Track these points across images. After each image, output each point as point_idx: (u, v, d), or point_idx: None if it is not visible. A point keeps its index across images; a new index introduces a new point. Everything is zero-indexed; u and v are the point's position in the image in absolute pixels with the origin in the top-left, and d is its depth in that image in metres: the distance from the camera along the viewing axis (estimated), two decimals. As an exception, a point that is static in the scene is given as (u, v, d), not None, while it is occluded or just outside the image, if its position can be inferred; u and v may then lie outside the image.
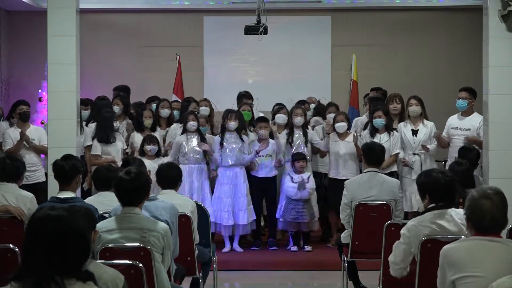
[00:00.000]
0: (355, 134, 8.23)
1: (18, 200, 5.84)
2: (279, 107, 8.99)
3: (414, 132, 8.13)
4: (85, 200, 5.54)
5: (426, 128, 8.14)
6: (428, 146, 8.02)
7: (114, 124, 8.40)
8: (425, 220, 4.60)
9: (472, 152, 7.22)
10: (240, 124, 8.38)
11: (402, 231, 4.66)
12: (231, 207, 8.25)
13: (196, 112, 8.64)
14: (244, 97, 9.45)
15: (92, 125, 8.54)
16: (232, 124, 8.31)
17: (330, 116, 8.79)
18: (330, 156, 8.45)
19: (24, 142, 8.29)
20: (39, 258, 2.72)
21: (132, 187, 4.53)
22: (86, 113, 8.63)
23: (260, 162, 8.46)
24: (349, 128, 8.44)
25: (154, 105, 9.30)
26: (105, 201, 5.53)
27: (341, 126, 8.33)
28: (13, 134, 8.40)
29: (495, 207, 3.57)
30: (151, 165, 7.20)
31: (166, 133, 8.73)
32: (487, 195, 3.59)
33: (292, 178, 8.24)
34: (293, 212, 8.20)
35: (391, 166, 8.03)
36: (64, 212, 2.84)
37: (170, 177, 5.89)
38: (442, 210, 4.61)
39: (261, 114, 9.08)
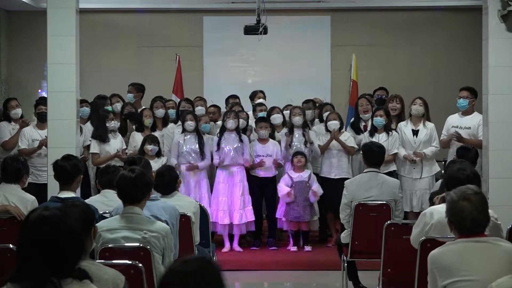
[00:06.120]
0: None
1: (20, 201, 5.83)
2: (271, 108, 8.99)
3: (415, 132, 8.14)
4: (87, 200, 5.54)
5: (427, 129, 8.14)
6: (425, 151, 8.02)
7: (112, 123, 8.37)
8: None
9: (470, 152, 7.24)
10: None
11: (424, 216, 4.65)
12: (227, 205, 8.25)
13: (193, 111, 8.64)
14: (231, 98, 9.57)
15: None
16: (231, 122, 8.31)
17: (326, 115, 8.82)
18: (323, 154, 8.49)
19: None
20: (35, 259, 2.71)
21: (134, 185, 4.53)
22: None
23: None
24: (341, 127, 8.46)
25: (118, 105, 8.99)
26: (106, 201, 5.54)
27: (333, 124, 8.38)
28: (30, 133, 8.32)
29: (475, 208, 3.55)
30: (152, 165, 7.18)
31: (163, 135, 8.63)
32: (466, 196, 3.57)
33: (291, 178, 8.24)
34: (294, 211, 8.20)
35: (390, 165, 8.05)
36: (57, 212, 2.83)
37: (168, 183, 5.82)
38: None
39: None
